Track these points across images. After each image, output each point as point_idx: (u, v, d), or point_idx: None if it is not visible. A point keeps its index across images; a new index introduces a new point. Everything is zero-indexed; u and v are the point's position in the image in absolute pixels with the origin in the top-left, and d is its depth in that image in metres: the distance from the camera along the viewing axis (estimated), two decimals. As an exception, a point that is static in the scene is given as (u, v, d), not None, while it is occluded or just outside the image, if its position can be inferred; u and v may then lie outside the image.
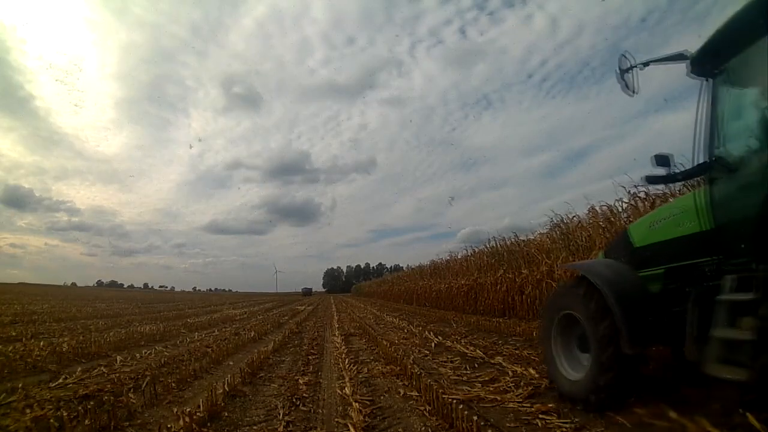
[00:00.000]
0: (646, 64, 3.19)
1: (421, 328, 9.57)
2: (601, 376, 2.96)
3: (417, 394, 3.79)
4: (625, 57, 3.20)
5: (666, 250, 3.10)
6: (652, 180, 3.38)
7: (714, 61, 2.73)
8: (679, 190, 6.27)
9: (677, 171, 3.04)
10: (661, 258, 3.14)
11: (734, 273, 2.34)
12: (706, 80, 2.81)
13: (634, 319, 2.84)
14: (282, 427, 3.05)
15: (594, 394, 3.02)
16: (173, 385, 4.25)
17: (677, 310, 2.78)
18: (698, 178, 3.17)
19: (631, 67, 3.21)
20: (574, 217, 10.31)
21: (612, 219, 8.73)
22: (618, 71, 3.23)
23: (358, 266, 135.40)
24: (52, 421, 2.95)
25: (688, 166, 2.89)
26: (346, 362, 5.40)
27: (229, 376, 4.38)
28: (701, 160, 2.74)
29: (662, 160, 3.03)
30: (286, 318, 14.45)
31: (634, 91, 3.22)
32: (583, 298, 3.21)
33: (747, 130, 2.56)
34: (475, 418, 2.75)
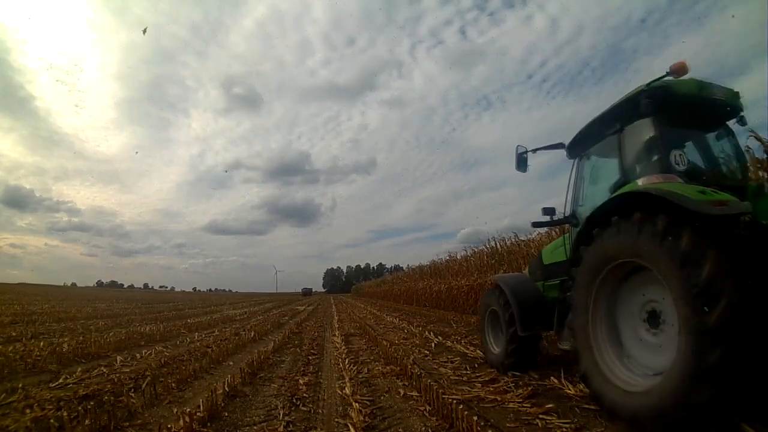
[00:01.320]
0: (534, 151, 4.57)
1: (421, 329, 9.58)
2: (509, 346, 4.47)
3: (417, 394, 3.80)
4: (521, 145, 4.55)
5: (557, 269, 4.31)
6: (537, 224, 4.72)
7: (579, 149, 4.16)
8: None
9: (556, 219, 4.38)
10: (556, 273, 4.31)
11: None
12: (574, 161, 4.20)
13: (525, 312, 4.29)
14: (282, 427, 3.05)
15: (506, 358, 4.51)
16: (173, 385, 4.25)
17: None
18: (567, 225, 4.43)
19: (525, 152, 4.56)
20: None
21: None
22: (516, 155, 4.54)
23: (358, 266, 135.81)
24: (52, 421, 2.95)
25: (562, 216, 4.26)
26: (346, 362, 5.41)
27: (229, 376, 4.38)
28: (569, 213, 4.15)
29: (548, 210, 4.42)
30: (286, 318, 14.45)
31: (526, 170, 4.58)
32: (498, 298, 4.72)
33: (591, 198, 3.90)
34: (475, 418, 2.76)
